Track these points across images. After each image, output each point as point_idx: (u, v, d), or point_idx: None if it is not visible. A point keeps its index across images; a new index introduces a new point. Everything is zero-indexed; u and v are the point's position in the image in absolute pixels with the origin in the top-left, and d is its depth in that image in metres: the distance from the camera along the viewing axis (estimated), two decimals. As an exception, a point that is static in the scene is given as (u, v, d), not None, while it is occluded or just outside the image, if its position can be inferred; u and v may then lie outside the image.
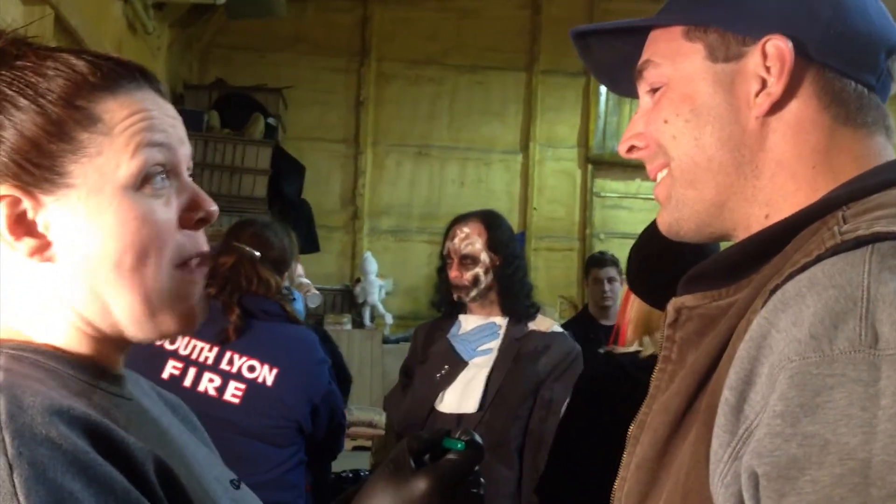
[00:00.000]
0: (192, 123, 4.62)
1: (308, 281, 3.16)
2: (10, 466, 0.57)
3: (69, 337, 0.73)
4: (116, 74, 0.74)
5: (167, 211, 0.74)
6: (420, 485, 0.78)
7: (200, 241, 0.77)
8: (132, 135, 0.72)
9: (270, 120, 4.95)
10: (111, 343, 0.75)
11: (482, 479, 0.84)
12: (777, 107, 0.73)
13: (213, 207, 0.78)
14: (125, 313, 0.72)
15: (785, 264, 0.66)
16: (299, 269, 3.40)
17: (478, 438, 0.82)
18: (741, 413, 0.59)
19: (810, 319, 0.56)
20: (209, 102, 5.01)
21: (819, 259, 0.61)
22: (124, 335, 0.74)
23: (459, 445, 0.81)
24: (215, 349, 2.01)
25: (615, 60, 0.87)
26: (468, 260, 2.32)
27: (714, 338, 0.69)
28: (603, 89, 5.79)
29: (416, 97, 5.77)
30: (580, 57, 0.90)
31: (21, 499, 0.56)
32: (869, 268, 0.57)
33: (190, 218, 0.76)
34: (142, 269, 0.72)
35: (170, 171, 0.75)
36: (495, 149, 5.87)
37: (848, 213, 0.66)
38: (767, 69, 0.73)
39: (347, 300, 5.42)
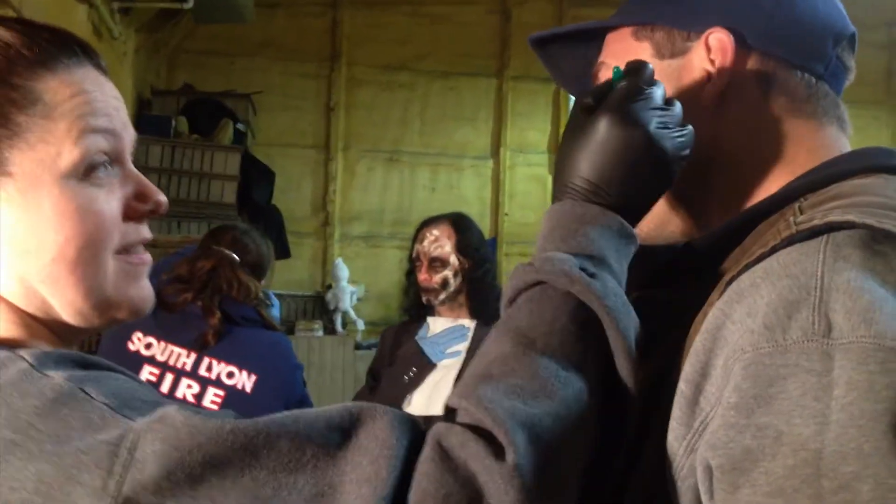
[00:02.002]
0: (160, 129, 4.58)
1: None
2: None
3: (6, 329, 0.69)
4: (55, 49, 0.69)
5: (111, 200, 0.70)
6: (598, 121, 0.69)
7: (144, 230, 0.74)
8: (74, 119, 0.67)
9: (240, 125, 4.91)
10: (57, 332, 0.71)
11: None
12: (723, 99, 0.73)
13: (162, 198, 0.74)
14: (67, 308, 0.69)
15: (743, 257, 0.65)
16: None
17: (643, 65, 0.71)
18: (697, 406, 0.58)
19: (764, 310, 0.56)
20: (177, 108, 4.96)
21: (775, 250, 0.61)
22: (70, 326, 0.70)
23: (616, 74, 0.72)
24: (193, 355, 1.99)
25: (579, 67, 0.88)
26: (437, 263, 2.32)
27: (676, 331, 0.68)
28: (573, 96, 5.80)
29: (388, 103, 5.75)
30: (545, 67, 0.91)
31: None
32: (823, 257, 0.57)
33: (136, 209, 0.73)
34: (83, 263, 0.68)
35: (114, 158, 0.71)
36: (467, 154, 5.87)
37: (804, 204, 0.66)
38: (712, 62, 0.73)
39: (319, 306, 5.38)
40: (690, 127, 0.71)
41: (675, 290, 0.70)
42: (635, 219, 0.71)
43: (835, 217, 0.60)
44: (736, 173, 0.74)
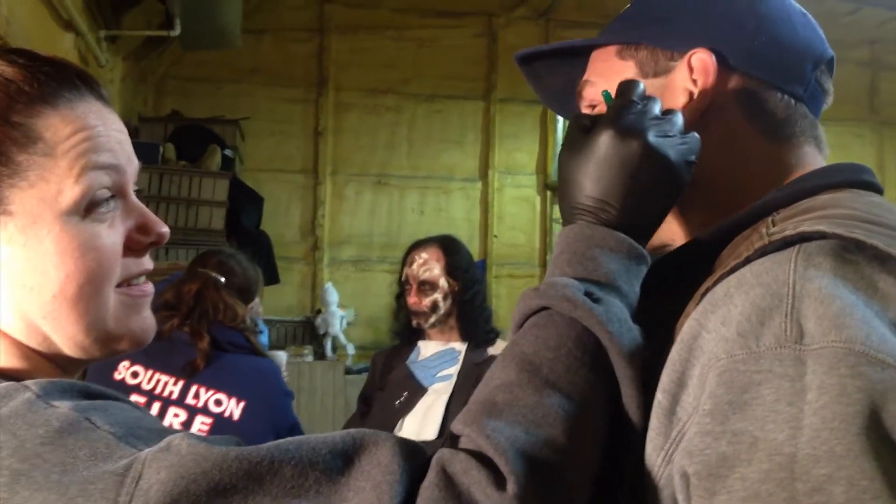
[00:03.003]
0: (148, 156, 4.57)
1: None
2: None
3: (8, 362, 0.68)
4: (56, 83, 0.68)
5: (112, 235, 0.70)
6: (596, 138, 0.70)
7: (145, 262, 0.74)
8: (76, 157, 0.67)
9: (227, 151, 4.91)
10: (59, 364, 0.71)
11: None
12: (705, 118, 0.74)
13: (164, 229, 0.74)
14: (69, 343, 0.69)
15: (718, 269, 0.66)
16: (255, 301, 3.35)
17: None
18: (674, 416, 0.59)
19: (738, 318, 0.57)
20: (165, 135, 4.96)
21: (748, 261, 0.62)
22: (72, 359, 0.70)
23: (606, 98, 0.74)
24: (180, 383, 1.96)
25: (564, 86, 0.89)
26: (427, 286, 2.31)
27: (654, 343, 0.69)
28: (560, 117, 5.84)
29: (375, 126, 5.77)
30: (529, 83, 0.92)
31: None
32: (795, 265, 0.58)
33: (139, 241, 0.72)
34: (84, 299, 0.67)
35: (116, 192, 0.71)
36: (455, 177, 5.88)
37: (777, 217, 0.68)
38: (694, 82, 0.74)
39: (308, 332, 5.36)
40: (695, 133, 0.72)
41: (652, 302, 0.71)
42: (648, 232, 0.71)
43: (806, 228, 0.61)
44: (717, 190, 0.75)
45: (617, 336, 0.63)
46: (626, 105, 0.70)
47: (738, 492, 0.51)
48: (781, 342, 0.54)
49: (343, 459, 0.59)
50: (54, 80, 0.68)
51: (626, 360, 0.63)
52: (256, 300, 3.37)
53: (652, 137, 0.68)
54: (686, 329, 0.61)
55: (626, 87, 0.72)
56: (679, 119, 0.71)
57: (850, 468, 0.48)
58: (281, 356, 2.74)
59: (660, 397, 0.60)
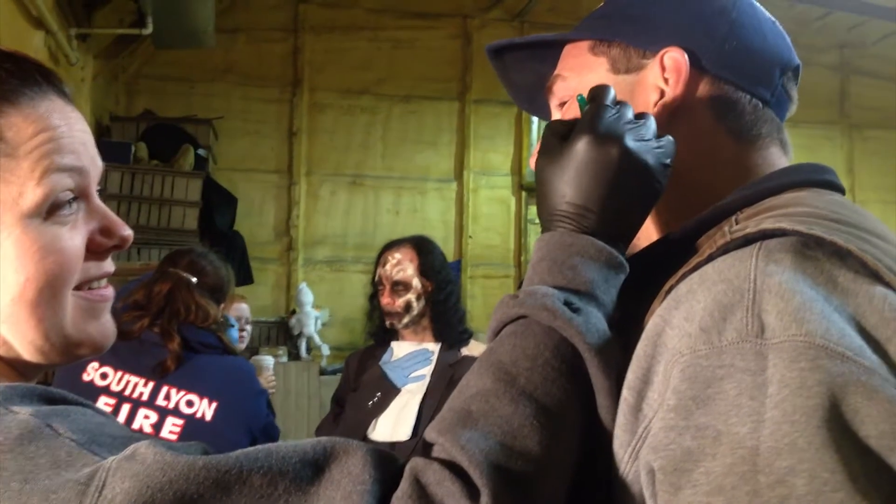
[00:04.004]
0: (119, 156, 4.53)
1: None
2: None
3: None
4: (17, 81, 0.66)
5: (74, 237, 0.68)
6: (574, 144, 0.69)
7: (106, 265, 0.73)
8: (39, 158, 0.65)
9: (201, 151, 4.88)
10: (18, 368, 0.69)
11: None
12: (674, 116, 0.75)
13: (127, 232, 0.73)
14: (28, 347, 0.67)
15: (682, 268, 0.67)
16: (243, 306, 3.33)
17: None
18: (640, 412, 0.59)
19: (700, 314, 0.57)
20: (137, 134, 4.92)
21: (711, 258, 0.63)
22: (31, 364, 0.69)
23: (581, 102, 0.73)
24: (151, 384, 1.92)
25: (533, 81, 0.89)
26: (400, 286, 2.31)
27: (621, 341, 0.69)
28: (535, 117, 5.87)
29: (350, 127, 5.76)
30: (498, 76, 0.91)
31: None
32: (756, 262, 0.59)
33: (101, 244, 0.71)
34: (43, 303, 0.66)
35: (79, 194, 0.69)
36: (430, 177, 5.88)
37: (741, 216, 0.69)
38: (666, 80, 0.75)
39: (283, 332, 5.34)
40: (670, 137, 0.72)
41: (619, 302, 0.72)
42: (627, 238, 0.71)
43: (767, 225, 0.62)
44: (684, 188, 0.75)
45: (595, 348, 0.62)
46: (600, 110, 0.70)
47: (702, 486, 0.51)
48: (743, 337, 0.54)
49: (313, 468, 0.58)
50: (15, 77, 0.66)
51: (604, 371, 0.62)
52: (245, 306, 3.35)
53: (630, 142, 0.68)
54: (650, 326, 0.61)
55: (599, 91, 0.72)
56: (652, 123, 0.71)
57: (812, 460, 0.48)
58: (268, 360, 2.72)
59: (626, 394, 0.61)
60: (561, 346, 0.63)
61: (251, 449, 0.59)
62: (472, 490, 0.56)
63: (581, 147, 0.69)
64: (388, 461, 0.60)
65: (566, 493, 0.62)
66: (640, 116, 0.72)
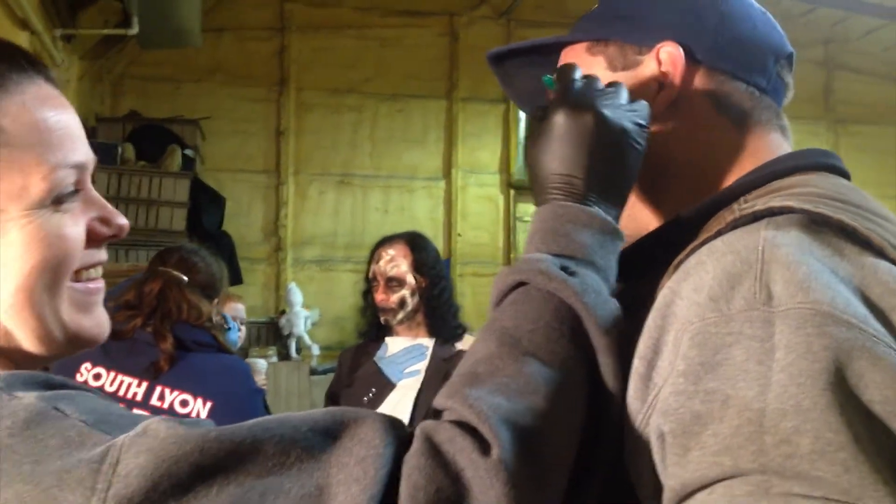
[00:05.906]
0: (106, 157, 4.50)
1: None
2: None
3: None
4: (4, 65, 0.66)
5: (75, 227, 0.69)
6: (551, 119, 0.72)
7: (101, 252, 0.74)
8: (42, 151, 0.66)
9: (188, 151, 4.86)
10: (17, 361, 0.69)
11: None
12: (673, 109, 0.77)
13: (124, 221, 0.74)
14: (30, 337, 0.67)
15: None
16: (239, 306, 3.32)
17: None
18: (650, 381, 0.60)
19: (710, 284, 0.59)
20: (123, 135, 4.89)
21: (719, 233, 0.66)
22: (31, 355, 0.68)
23: (548, 82, 0.77)
24: (144, 384, 1.90)
25: (535, 87, 0.90)
26: (394, 282, 2.31)
27: (632, 321, 0.70)
28: (522, 115, 5.88)
29: (337, 126, 5.75)
30: (501, 85, 0.95)
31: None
32: (764, 234, 0.61)
33: (100, 233, 0.72)
34: (45, 290, 0.66)
35: (79, 185, 0.70)
36: (418, 176, 5.88)
37: (749, 197, 0.71)
38: (663, 74, 0.77)
39: (272, 332, 5.32)
40: (643, 101, 0.75)
41: (631, 285, 0.73)
42: (618, 203, 0.73)
43: (775, 203, 0.65)
44: (689, 178, 0.77)
45: (592, 307, 0.64)
46: (569, 83, 0.73)
47: (710, 447, 0.53)
48: (751, 305, 0.56)
49: (325, 436, 0.58)
50: (2, 61, 0.67)
51: (602, 329, 0.64)
52: (240, 305, 3.34)
53: (602, 108, 0.71)
54: (660, 297, 0.63)
55: (565, 69, 0.75)
56: (624, 90, 0.74)
57: (817, 421, 0.50)
58: (261, 364, 2.72)
59: (636, 363, 0.62)
60: (560, 309, 0.65)
61: (263, 419, 0.60)
62: (483, 444, 0.57)
63: (557, 120, 0.72)
64: (399, 427, 0.60)
65: (574, 452, 0.63)
66: (611, 85, 0.74)
